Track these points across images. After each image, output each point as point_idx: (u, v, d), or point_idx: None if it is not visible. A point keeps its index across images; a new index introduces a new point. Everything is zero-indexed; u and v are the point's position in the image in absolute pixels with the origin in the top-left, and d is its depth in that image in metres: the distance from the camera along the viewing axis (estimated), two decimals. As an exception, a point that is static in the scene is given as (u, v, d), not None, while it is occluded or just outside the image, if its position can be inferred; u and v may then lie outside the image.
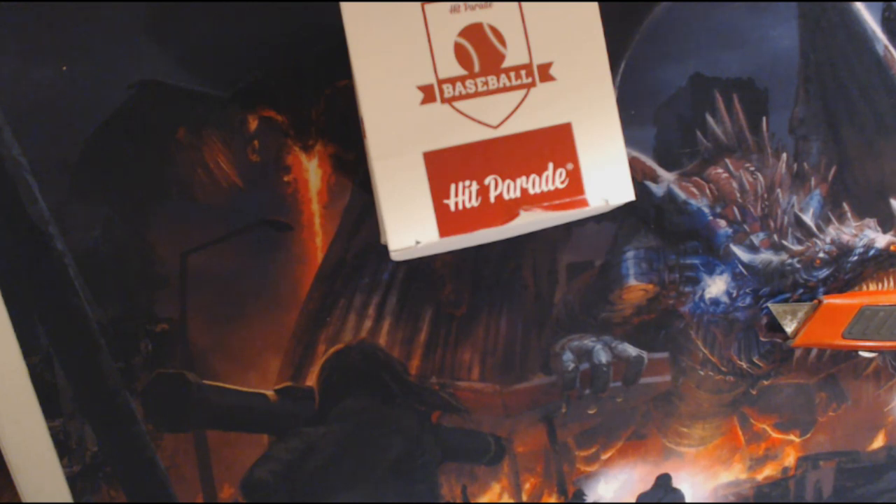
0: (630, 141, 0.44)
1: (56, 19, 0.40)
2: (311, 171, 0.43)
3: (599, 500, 0.47)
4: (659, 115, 0.45)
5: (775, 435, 0.48)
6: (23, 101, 0.41)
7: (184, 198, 0.42)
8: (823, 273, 0.47)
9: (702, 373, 0.47)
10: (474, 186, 0.34)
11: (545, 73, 0.34)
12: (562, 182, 0.34)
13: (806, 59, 0.46)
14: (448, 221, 0.34)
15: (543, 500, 0.47)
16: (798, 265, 0.46)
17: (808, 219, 0.46)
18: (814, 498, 0.49)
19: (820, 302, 0.45)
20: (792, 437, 0.48)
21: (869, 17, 0.46)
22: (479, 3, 0.34)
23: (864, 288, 0.47)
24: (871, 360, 0.48)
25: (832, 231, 0.47)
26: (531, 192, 0.34)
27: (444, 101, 0.34)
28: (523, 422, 0.46)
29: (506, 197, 0.34)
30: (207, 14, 0.41)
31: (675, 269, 0.46)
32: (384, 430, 0.44)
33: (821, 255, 0.47)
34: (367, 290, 0.44)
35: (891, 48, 0.46)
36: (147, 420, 0.43)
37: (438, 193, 0.34)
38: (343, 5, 0.33)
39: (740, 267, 0.46)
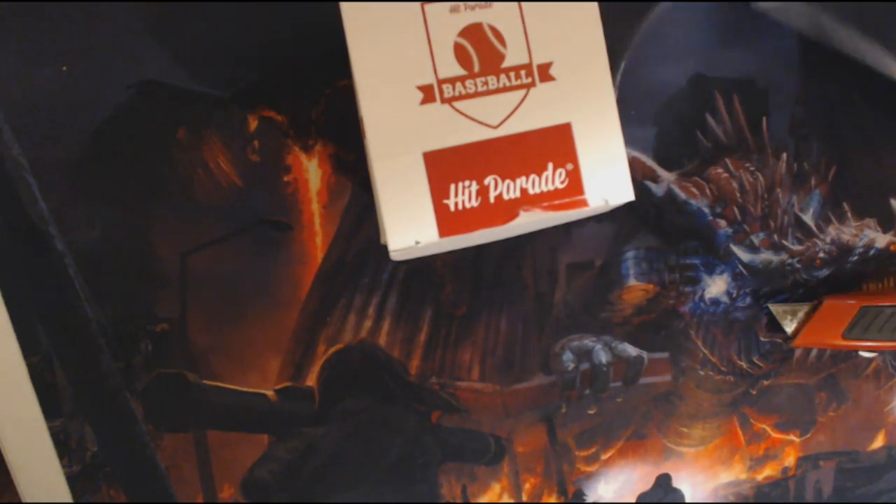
0: (630, 141, 0.44)
1: (56, 19, 0.40)
2: (311, 171, 0.43)
3: (599, 500, 0.47)
4: (659, 115, 0.45)
5: (775, 435, 0.48)
6: (23, 101, 0.41)
7: (184, 198, 0.42)
8: (823, 273, 0.47)
9: (702, 373, 0.47)
10: (474, 186, 0.34)
11: (545, 73, 0.34)
12: (562, 182, 0.34)
13: (806, 59, 0.46)
14: (448, 221, 0.34)
15: (543, 500, 0.47)
16: (798, 265, 0.46)
17: (808, 219, 0.46)
18: (814, 498, 0.49)
19: (820, 302, 0.45)
20: (792, 437, 0.48)
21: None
22: (479, 3, 0.34)
23: (865, 288, 0.47)
24: (871, 360, 0.48)
25: (832, 231, 0.47)
26: (531, 192, 0.34)
27: (443, 101, 0.34)
28: (523, 422, 0.46)
29: (506, 197, 0.34)
30: (207, 14, 0.41)
31: (675, 269, 0.46)
32: (384, 430, 0.44)
33: (821, 255, 0.47)
34: (367, 290, 0.44)
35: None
36: (147, 420, 0.43)
37: (438, 193, 0.34)
38: (343, 5, 0.33)
39: (740, 267, 0.46)
